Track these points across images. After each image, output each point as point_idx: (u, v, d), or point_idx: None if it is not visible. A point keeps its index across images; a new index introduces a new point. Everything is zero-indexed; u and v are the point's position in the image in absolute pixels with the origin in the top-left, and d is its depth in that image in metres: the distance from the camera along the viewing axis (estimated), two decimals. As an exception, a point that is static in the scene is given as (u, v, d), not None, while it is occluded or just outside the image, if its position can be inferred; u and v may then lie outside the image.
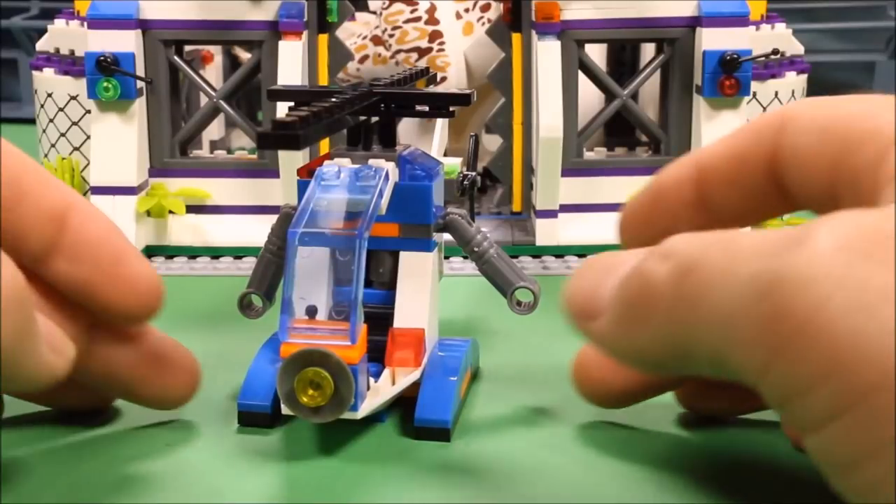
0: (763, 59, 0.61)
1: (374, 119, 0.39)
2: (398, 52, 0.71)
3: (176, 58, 0.62)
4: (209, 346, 0.43)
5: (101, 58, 0.59)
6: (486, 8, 0.71)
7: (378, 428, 0.38)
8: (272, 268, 0.40)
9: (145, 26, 0.61)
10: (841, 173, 0.30)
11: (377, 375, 0.36)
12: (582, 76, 0.62)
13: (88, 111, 0.61)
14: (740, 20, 0.60)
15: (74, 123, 0.63)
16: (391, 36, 0.71)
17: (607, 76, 0.63)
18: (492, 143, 0.67)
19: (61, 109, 0.63)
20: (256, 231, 0.60)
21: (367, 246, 0.34)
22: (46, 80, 0.64)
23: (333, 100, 0.36)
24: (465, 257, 0.59)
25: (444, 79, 0.70)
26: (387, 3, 0.72)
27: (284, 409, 0.34)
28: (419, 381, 0.37)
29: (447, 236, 0.40)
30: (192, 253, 0.61)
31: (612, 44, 0.71)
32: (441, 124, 0.46)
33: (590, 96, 0.65)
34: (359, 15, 0.75)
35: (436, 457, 0.36)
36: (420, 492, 0.34)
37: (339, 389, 0.33)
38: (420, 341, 0.37)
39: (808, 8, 1.02)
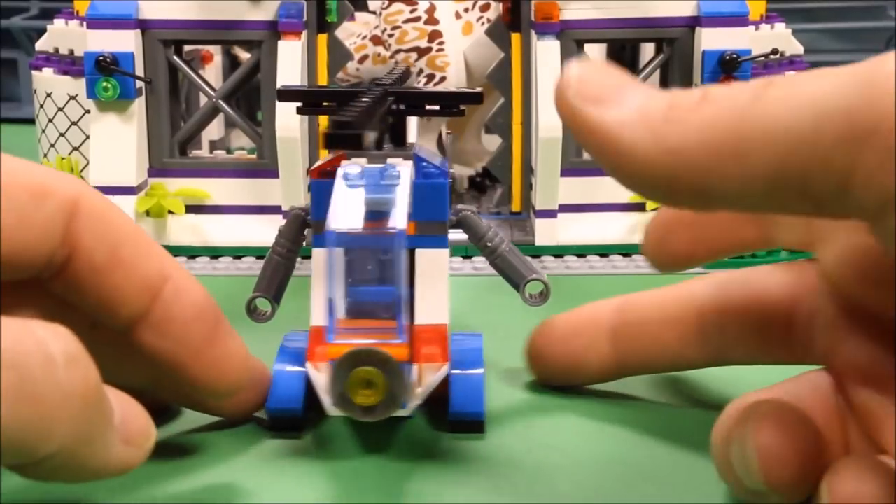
0: (763, 59, 0.61)
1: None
2: (398, 51, 0.71)
3: (175, 58, 0.62)
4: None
5: (101, 58, 0.59)
6: (485, 8, 0.71)
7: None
8: (281, 271, 0.40)
9: (145, 26, 0.61)
10: None
11: None
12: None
13: (88, 111, 0.61)
14: (740, 20, 0.60)
15: (74, 123, 0.63)
16: (391, 36, 0.71)
17: (607, 76, 0.63)
18: (491, 143, 0.67)
19: (61, 109, 0.63)
20: (256, 231, 0.60)
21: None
22: (46, 79, 0.64)
23: (365, 99, 0.36)
24: (464, 256, 0.59)
25: (443, 79, 0.70)
26: (386, 2, 0.72)
27: (333, 411, 0.33)
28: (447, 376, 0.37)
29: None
30: (192, 253, 0.61)
31: (611, 44, 0.71)
32: (416, 121, 0.46)
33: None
34: (358, 15, 0.75)
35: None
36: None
37: (392, 387, 0.33)
38: (444, 337, 0.37)
39: (808, 8, 1.02)
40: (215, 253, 0.61)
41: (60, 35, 0.65)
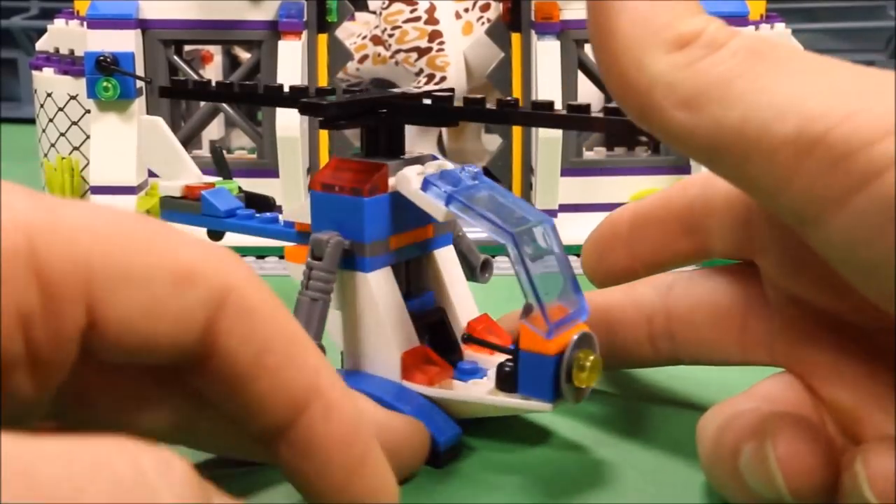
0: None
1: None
2: (398, 51, 0.71)
3: (175, 57, 0.62)
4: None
5: (101, 57, 0.59)
6: (485, 8, 0.71)
7: None
8: (326, 312, 0.35)
9: (145, 26, 0.61)
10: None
11: (477, 373, 0.36)
12: (581, 76, 0.62)
13: (88, 111, 0.61)
14: (740, 20, 0.60)
15: (74, 123, 0.63)
16: (391, 36, 0.71)
17: (607, 76, 0.63)
18: (491, 142, 0.67)
19: (61, 109, 0.63)
20: (256, 231, 0.60)
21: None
22: (46, 79, 0.64)
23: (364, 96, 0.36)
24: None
25: (443, 78, 0.71)
26: (386, 2, 0.72)
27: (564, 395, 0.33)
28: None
29: None
30: (192, 253, 0.61)
31: (611, 44, 0.71)
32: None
33: (589, 96, 0.65)
34: (358, 15, 0.75)
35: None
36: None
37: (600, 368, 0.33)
38: (494, 323, 0.38)
39: (808, 8, 1.02)
40: (215, 253, 0.61)
41: (61, 35, 0.65)
